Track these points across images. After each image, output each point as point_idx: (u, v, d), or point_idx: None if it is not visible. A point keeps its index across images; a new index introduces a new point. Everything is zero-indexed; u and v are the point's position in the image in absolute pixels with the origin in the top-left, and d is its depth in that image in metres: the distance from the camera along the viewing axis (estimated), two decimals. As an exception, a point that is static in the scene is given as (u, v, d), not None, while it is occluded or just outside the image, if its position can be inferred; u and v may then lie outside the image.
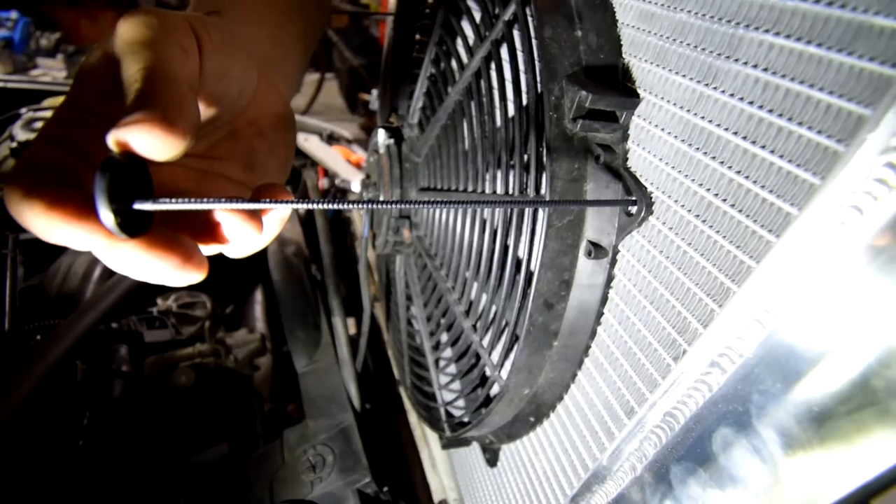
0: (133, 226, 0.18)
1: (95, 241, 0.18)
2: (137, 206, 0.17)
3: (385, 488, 0.49)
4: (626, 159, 0.28)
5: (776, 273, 0.19)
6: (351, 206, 0.19)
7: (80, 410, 0.54)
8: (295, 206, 0.21)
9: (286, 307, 0.63)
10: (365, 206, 0.19)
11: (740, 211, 0.21)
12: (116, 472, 0.51)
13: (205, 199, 0.18)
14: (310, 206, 0.20)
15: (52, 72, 1.75)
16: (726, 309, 0.21)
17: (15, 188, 0.18)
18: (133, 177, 0.17)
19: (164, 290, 0.78)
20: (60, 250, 0.72)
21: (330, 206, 0.21)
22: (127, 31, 0.20)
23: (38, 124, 0.88)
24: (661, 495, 0.25)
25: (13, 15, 1.82)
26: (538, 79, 0.29)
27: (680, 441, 0.24)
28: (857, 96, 0.17)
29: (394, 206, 0.47)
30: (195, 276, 0.21)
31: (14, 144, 0.82)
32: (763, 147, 0.20)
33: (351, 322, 1.03)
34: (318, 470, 0.47)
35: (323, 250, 0.66)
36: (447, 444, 0.51)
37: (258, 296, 0.89)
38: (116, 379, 0.58)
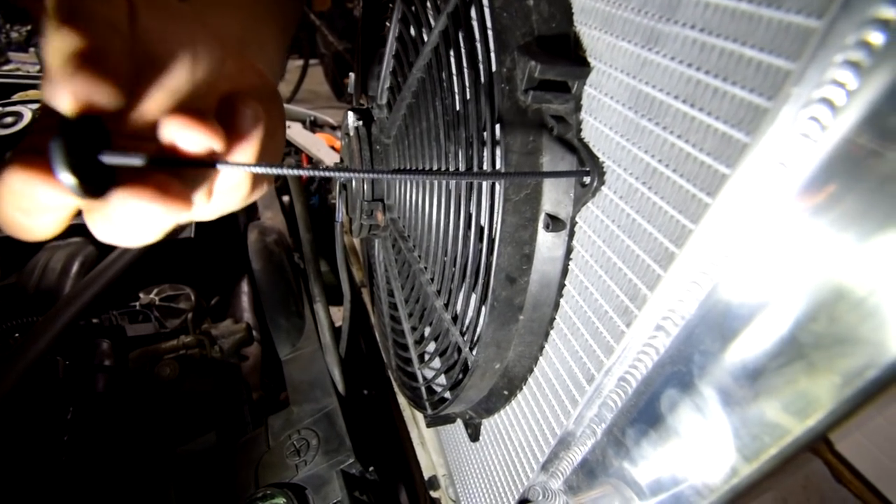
0: (97, 183, 0.17)
1: (64, 203, 0.18)
2: (105, 159, 0.17)
3: (371, 468, 0.49)
4: (580, 130, 0.28)
5: (711, 234, 0.19)
6: (291, 171, 0.19)
7: (63, 406, 0.54)
8: (258, 169, 0.21)
9: (267, 296, 0.63)
10: (314, 173, 0.19)
11: (681, 175, 0.21)
12: (103, 466, 0.51)
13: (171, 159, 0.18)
14: (274, 171, 0.20)
15: (24, 66, 1.71)
16: (668, 273, 0.21)
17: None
18: (90, 136, 0.17)
19: (146, 285, 0.78)
20: (36, 248, 0.72)
21: (269, 170, 0.21)
22: None
23: (9, 119, 0.87)
24: (619, 457, 0.26)
25: (-20, 9, 1.77)
26: (490, 50, 0.29)
27: (633, 404, 0.25)
28: (785, 51, 0.17)
29: (362, 184, 0.47)
30: (182, 208, 0.20)
31: (-16, 142, 0.81)
32: (701, 109, 0.20)
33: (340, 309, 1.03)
34: (302, 454, 0.48)
35: (303, 237, 0.66)
36: (431, 422, 0.52)
37: (244, 286, 0.88)
38: (99, 374, 0.58)
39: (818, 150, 0.16)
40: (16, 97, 1.04)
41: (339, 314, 1.04)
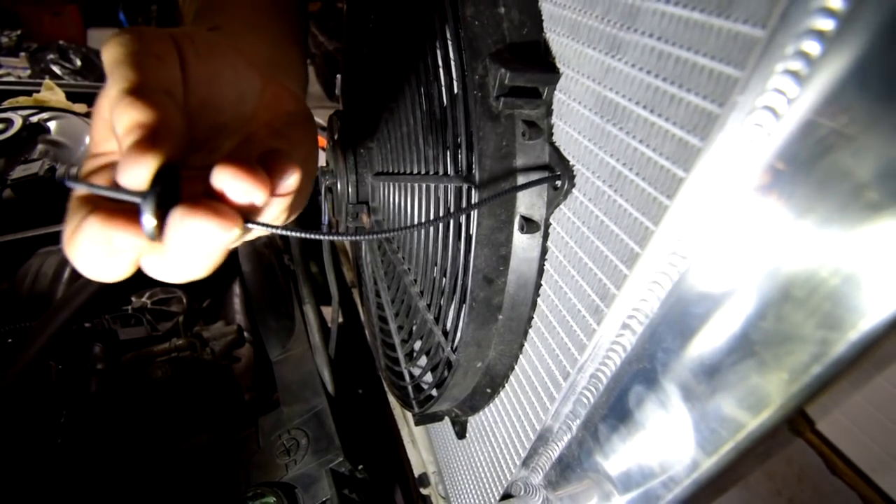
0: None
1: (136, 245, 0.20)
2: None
3: (360, 466, 0.50)
4: (552, 134, 0.29)
5: (669, 235, 0.20)
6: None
7: (57, 409, 0.54)
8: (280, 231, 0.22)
9: (257, 298, 0.64)
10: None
11: (643, 179, 0.22)
12: (96, 467, 0.52)
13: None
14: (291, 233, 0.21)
15: (15, 71, 1.70)
16: (633, 273, 0.22)
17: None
18: (166, 188, 0.19)
19: (138, 288, 0.78)
20: (28, 254, 0.72)
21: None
22: (106, 54, 0.21)
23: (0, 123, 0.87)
24: (592, 451, 0.27)
25: (-31, 14, 1.77)
26: (463, 58, 0.29)
27: (604, 400, 0.25)
28: (733, 60, 0.18)
29: (346, 187, 0.48)
30: (232, 228, 0.21)
31: (-26, 148, 0.81)
32: (660, 115, 0.21)
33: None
34: (292, 453, 0.48)
35: (291, 241, 0.67)
36: (419, 421, 0.52)
37: (236, 289, 0.89)
38: (91, 377, 0.59)
39: (763, 154, 0.16)
40: (6, 104, 1.04)
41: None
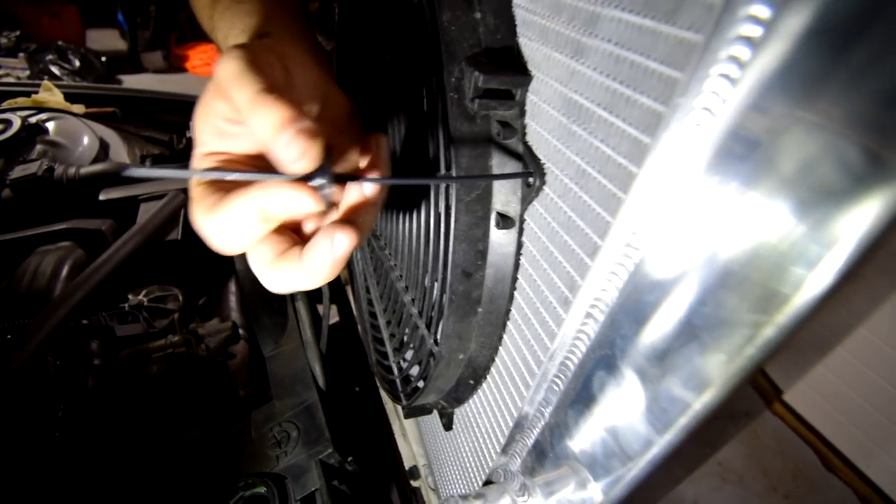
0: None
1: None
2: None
3: (349, 458, 0.51)
4: (525, 134, 0.30)
5: (625, 228, 0.21)
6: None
7: (55, 404, 0.56)
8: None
9: (250, 295, 0.65)
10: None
11: (604, 176, 0.23)
12: (93, 460, 0.53)
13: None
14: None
15: (14, 71, 1.71)
16: (595, 264, 0.23)
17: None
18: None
19: (135, 286, 0.80)
20: (27, 252, 0.73)
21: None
22: (223, 70, 0.24)
23: (-2, 126, 0.88)
24: (563, 437, 0.28)
25: (-32, 15, 1.78)
26: (441, 61, 0.31)
27: (572, 387, 0.27)
28: (677, 63, 0.19)
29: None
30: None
31: (-26, 149, 0.82)
32: (617, 116, 0.22)
33: (334, 309, 1.05)
34: (283, 445, 0.50)
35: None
36: (408, 413, 0.54)
37: (232, 287, 0.90)
38: (89, 372, 0.60)
39: (702, 152, 0.18)
40: (5, 105, 1.05)
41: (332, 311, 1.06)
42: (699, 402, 0.19)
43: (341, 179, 0.26)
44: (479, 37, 0.30)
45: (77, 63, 1.88)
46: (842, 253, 0.14)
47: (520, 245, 0.32)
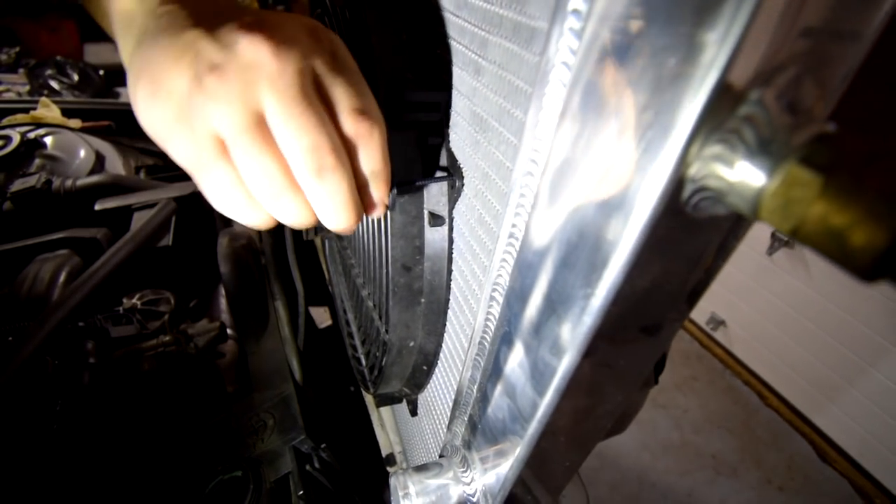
0: None
1: None
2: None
3: (323, 445, 0.55)
4: (449, 141, 0.34)
5: (510, 219, 0.25)
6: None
7: (53, 399, 0.60)
8: None
9: (234, 296, 0.69)
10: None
11: (499, 177, 0.27)
12: (88, 450, 0.57)
13: None
14: None
15: (14, 87, 1.77)
16: (496, 252, 0.27)
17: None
18: None
19: (129, 291, 0.84)
20: (27, 261, 0.78)
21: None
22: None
23: (-2, 142, 0.93)
24: (486, 409, 0.32)
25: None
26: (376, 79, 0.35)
27: (487, 364, 0.30)
28: (532, 81, 0.23)
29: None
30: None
31: (-24, 165, 0.87)
32: (504, 126, 0.26)
33: (325, 311, 1.09)
34: (259, 433, 0.54)
35: (264, 241, 0.72)
36: (379, 402, 0.58)
37: (222, 289, 0.95)
38: (84, 370, 0.64)
39: (550, 162, 0.22)
40: (5, 122, 1.10)
41: (323, 314, 1.10)
42: (561, 367, 0.23)
43: None
44: (405, 56, 0.34)
45: (76, 77, 1.94)
46: (633, 233, 0.18)
47: (451, 241, 0.36)
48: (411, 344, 0.42)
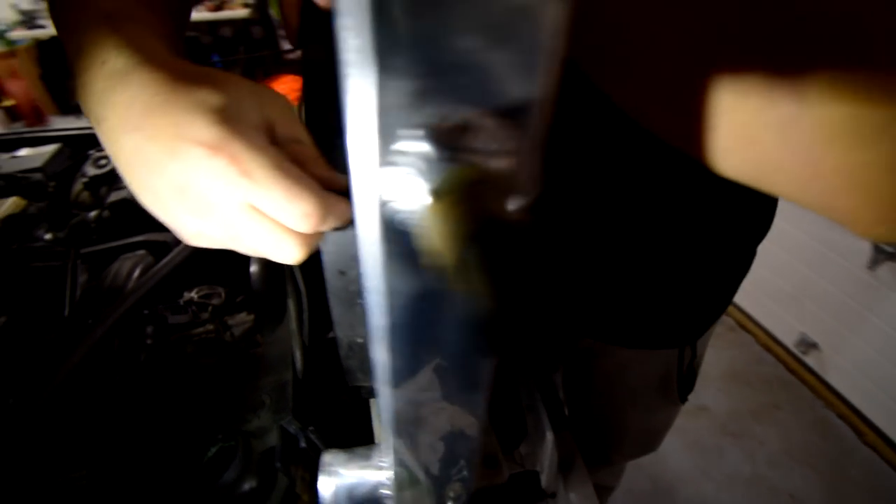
0: None
1: None
2: None
3: (311, 427, 0.62)
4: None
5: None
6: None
7: (116, 373, 0.74)
8: None
9: (259, 294, 0.79)
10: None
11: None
12: (137, 412, 0.70)
13: None
14: None
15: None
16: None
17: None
18: None
19: (193, 285, 0.99)
20: (114, 258, 0.96)
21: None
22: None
23: (103, 160, 1.15)
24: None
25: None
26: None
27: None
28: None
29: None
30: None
31: (86, 179, 1.09)
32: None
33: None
34: (257, 410, 0.62)
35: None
36: (366, 394, 0.63)
37: (267, 287, 1.07)
38: (142, 350, 0.78)
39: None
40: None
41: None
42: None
43: None
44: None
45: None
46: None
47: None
48: (359, 340, 0.47)
